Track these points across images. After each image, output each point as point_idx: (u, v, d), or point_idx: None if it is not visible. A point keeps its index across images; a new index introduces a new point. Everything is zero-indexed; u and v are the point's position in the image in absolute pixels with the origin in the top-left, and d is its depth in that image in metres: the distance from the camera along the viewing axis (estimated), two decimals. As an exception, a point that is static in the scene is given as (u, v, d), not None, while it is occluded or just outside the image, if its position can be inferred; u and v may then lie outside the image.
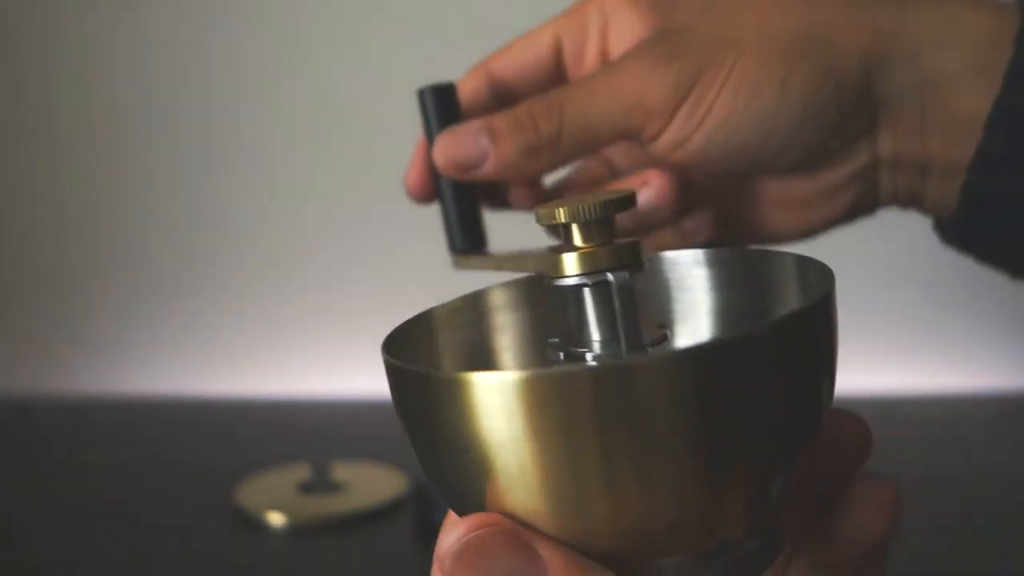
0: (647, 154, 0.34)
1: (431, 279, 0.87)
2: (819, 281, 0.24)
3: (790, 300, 0.25)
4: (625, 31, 0.34)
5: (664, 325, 0.25)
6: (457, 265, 0.37)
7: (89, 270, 0.85)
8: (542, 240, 0.31)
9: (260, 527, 0.54)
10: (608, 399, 0.18)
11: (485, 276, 0.31)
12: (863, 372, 0.85)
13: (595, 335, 0.23)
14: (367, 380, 0.85)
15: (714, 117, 0.32)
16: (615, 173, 0.38)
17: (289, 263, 0.85)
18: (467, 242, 0.37)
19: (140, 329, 0.85)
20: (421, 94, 0.36)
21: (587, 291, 0.23)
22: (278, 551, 0.51)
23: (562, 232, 0.23)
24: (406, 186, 0.38)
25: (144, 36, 0.83)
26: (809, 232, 0.37)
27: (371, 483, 0.59)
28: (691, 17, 0.33)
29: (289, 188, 0.84)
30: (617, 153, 0.38)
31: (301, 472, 0.60)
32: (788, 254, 0.25)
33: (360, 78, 0.83)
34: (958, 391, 0.84)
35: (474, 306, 0.27)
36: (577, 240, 0.23)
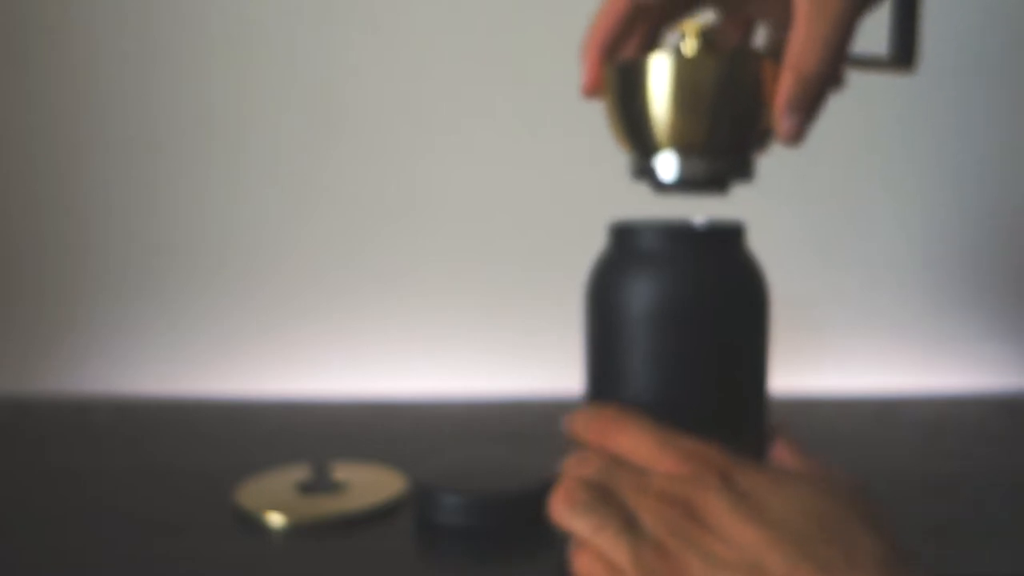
0: None
1: (433, 280, 0.88)
2: None
3: None
4: None
5: None
6: None
7: (90, 271, 0.85)
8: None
9: (260, 527, 0.54)
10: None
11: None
12: (863, 372, 0.85)
13: None
14: (367, 380, 0.85)
15: None
16: None
17: (290, 264, 0.85)
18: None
19: (140, 329, 0.85)
20: None
21: None
22: (278, 551, 0.51)
23: None
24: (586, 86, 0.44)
25: (144, 36, 0.83)
26: None
27: (371, 483, 0.59)
28: None
29: (290, 189, 0.84)
30: None
31: (301, 472, 0.60)
32: None
33: (362, 78, 0.83)
34: (957, 391, 0.84)
35: None
36: None
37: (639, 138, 0.43)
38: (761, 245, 0.45)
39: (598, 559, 0.36)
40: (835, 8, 0.38)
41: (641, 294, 0.43)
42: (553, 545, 0.50)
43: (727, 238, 0.44)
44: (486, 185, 0.84)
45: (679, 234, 0.43)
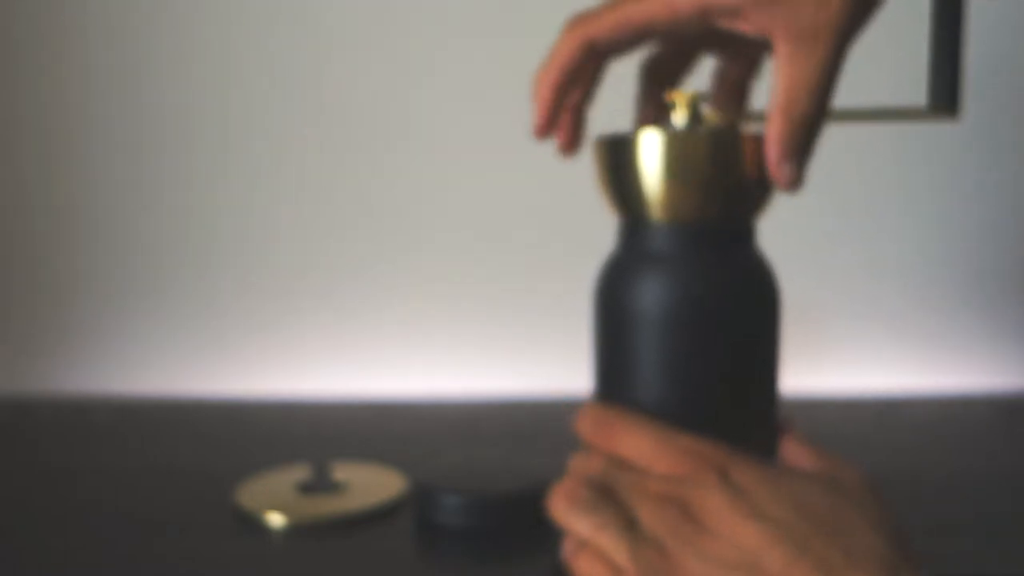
0: None
1: (434, 280, 0.88)
2: None
3: None
4: None
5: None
6: None
7: (89, 271, 0.85)
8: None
9: (260, 527, 0.54)
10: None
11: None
12: (863, 372, 0.85)
13: None
14: (367, 380, 0.85)
15: None
16: None
17: (289, 264, 0.85)
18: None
19: (140, 329, 0.85)
20: None
21: None
22: (278, 551, 0.51)
23: None
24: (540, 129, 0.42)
25: (135, 36, 0.83)
26: None
27: (371, 483, 0.59)
28: None
29: (288, 189, 0.84)
30: None
31: (301, 472, 0.60)
32: None
33: (363, 75, 0.83)
34: (957, 391, 0.84)
35: None
36: None
37: (632, 210, 0.43)
38: (762, 245, 0.45)
39: (599, 559, 0.36)
40: (820, 48, 0.37)
41: (651, 293, 0.42)
42: (553, 545, 0.50)
43: (737, 237, 0.44)
44: (487, 184, 0.84)
45: (689, 233, 0.43)
